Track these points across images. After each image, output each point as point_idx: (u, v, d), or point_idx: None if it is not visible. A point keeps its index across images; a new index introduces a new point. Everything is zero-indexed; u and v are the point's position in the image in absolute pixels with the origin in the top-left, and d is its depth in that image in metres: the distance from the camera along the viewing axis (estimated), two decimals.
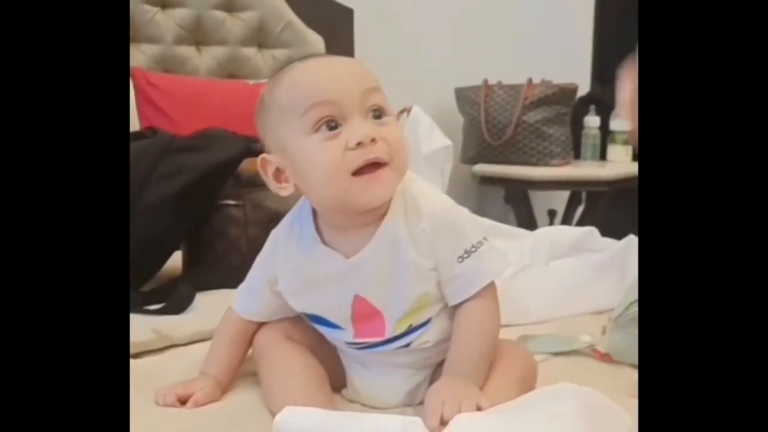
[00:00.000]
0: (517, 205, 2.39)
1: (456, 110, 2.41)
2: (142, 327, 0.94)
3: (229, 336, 0.82)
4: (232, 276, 0.89)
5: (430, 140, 1.46)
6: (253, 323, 0.81)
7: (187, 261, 1.25)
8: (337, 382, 0.79)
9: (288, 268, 0.76)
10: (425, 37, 2.42)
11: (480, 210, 2.29)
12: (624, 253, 1.18)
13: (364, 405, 0.78)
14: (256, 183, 0.73)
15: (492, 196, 2.51)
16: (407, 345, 0.75)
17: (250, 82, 1.89)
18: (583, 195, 2.47)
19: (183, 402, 0.76)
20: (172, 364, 0.89)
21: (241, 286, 0.82)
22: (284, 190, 0.72)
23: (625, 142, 2.35)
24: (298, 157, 0.69)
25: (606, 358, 0.89)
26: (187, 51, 1.93)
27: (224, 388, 0.80)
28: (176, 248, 1.23)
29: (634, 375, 0.85)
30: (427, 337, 0.75)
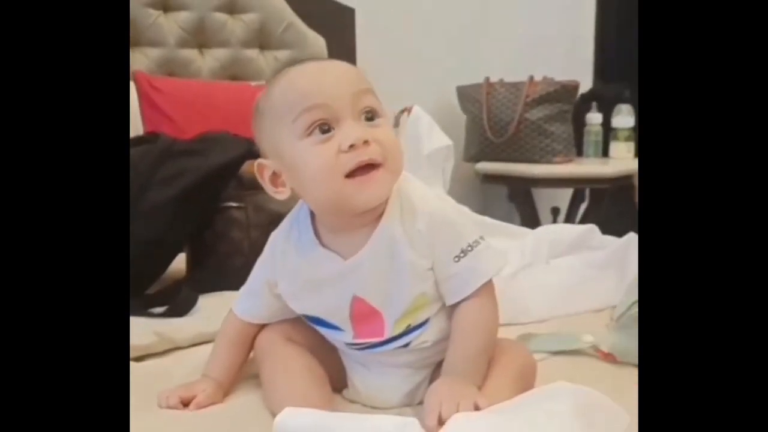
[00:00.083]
0: (521, 203, 2.40)
1: (458, 108, 2.42)
2: (144, 330, 0.95)
3: (229, 338, 0.82)
4: (234, 278, 0.89)
5: (430, 139, 1.47)
6: (254, 325, 0.82)
7: (191, 263, 1.26)
8: (337, 382, 0.80)
9: (287, 271, 0.77)
10: (427, 36, 2.43)
11: (483, 208, 2.29)
12: (624, 250, 1.19)
13: (364, 405, 0.78)
14: (257, 185, 0.73)
15: (495, 194, 2.51)
16: (406, 345, 0.75)
17: (253, 83, 1.90)
18: (587, 192, 2.47)
19: (185, 404, 0.77)
20: (174, 367, 0.89)
21: (242, 289, 0.83)
22: (281, 194, 0.73)
23: (627, 139, 2.35)
24: (292, 161, 0.70)
25: (609, 357, 0.89)
26: (190, 54, 1.94)
27: (226, 390, 0.81)
28: (179, 251, 1.24)
29: (636, 374, 0.85)
30: (426, 336, 0.75)
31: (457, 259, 0.72)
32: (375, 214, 0.72)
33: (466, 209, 1.45)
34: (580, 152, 2.38)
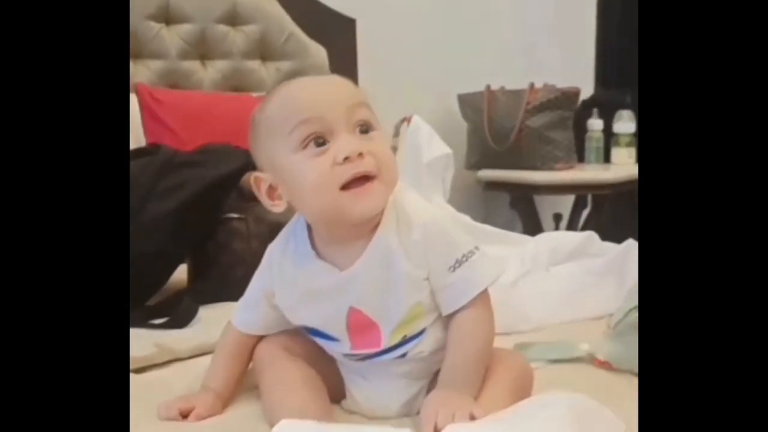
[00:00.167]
0: (523, 210, 2.40)
1: (459, 116, 2.42)
2: (144, 341, 0.95)
3: (228, 349, 0.83)
4: (236, 289, 0.89)
5: (430, 149, 1.48)
6: (253, 336, 0.82)
7: (192, 274, 1.26)
8: (336, 393, 0.80)
9: (284, 282, 0.77)
10: (427, 44, 2.44)
11: (485, 215, 2.30)
12: (623, 257, 1.19)
13: (363, 416, 0.79)
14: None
15: (497, 202, 2.52)
16: (403, 355, 0.76)
17: (254, 94, 1.91)
18: (589, 198, 2.47)
19: (185, 416, 0.77)
20: (175, 378, 0.90)
21: (240, 300, 0.84)
22: (277, 206, 0.74)
23: (629, 145, 2.35)
24: (288, 174, 0.71)
25: (605, 365, 0.89)
26: (192, 65, 1.95)
27: (225, 401, 0.81)
28: (180, 262, 1.25)
29: (634, 382, 0.85)
30: (423, 347, 0.76)
31: (452, 269, 0.72)
32: (370, 226, 0.72)
33: (467, 218, 1.46)
34: (581, 158, 2.38)
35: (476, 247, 0.74)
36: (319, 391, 0.77)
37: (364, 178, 0.69)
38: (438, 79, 2.44)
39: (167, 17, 1.90)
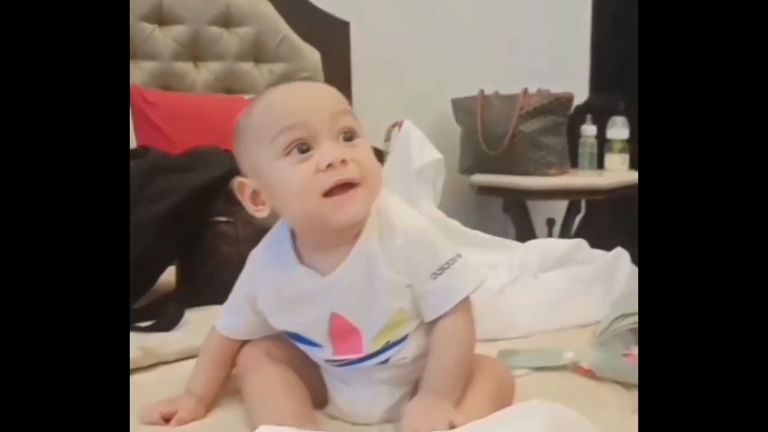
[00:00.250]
0: (516, 215, 2.40)
1: (453, 120, 2.43)
2: (129, 344, 0.95)
3: (212, 354, 0.83)
4: (224, 292, 0.89)
5: (421, 154, 1.47)
6: (236, 341, 0.82)
7: (180, 277, 1.26)
8: (319, 398, 0.80)
9: (267, 287, 0.77)
10: (421, 48, 2.44)
11: (478, 220, 2.30)
12: (612, 265, 1.19)
13: (345, 421, 0.79)
14: None
15: (490, 206, 2.52)
16: (386, 361, 0.76)
17: (247, 96, 1.91)
18: (582, 203, 2.47)
19: (167, 420, 0.77)
20: (160, 382, 0.90)
21: (224, 305, 0.84)
22: (261, 212, 0.74)
23: (622, 151, 2.36)
24: (271, 180, 0.71)
25: (588, 374, 0.89)
26: (185, 67, 1.96)
27: (208, 405, 0.81)
28: (167, 266, 1.25)
29: (617, 391, 0.86)
30: (405, 353, 0.76)
31: (434, 276, 0.73)
32: (353, 232, 0.72)
33: (456, 223, 1.46)
34: (574, 164, 2.38)
35: (458, 255, 0.74)
36: (302, 396, 0.77)
37: (347, 185, 0.69)
38: (432, 82, 2.44)
39: (160, 18, 1.91)
